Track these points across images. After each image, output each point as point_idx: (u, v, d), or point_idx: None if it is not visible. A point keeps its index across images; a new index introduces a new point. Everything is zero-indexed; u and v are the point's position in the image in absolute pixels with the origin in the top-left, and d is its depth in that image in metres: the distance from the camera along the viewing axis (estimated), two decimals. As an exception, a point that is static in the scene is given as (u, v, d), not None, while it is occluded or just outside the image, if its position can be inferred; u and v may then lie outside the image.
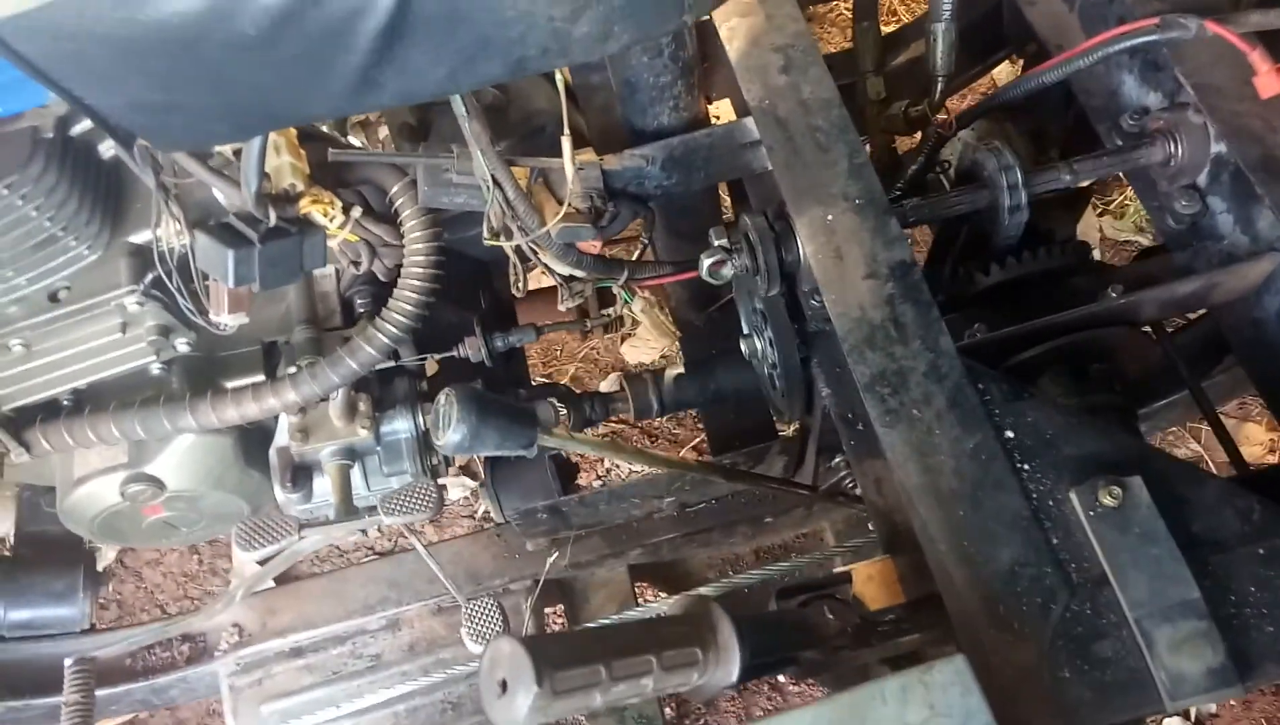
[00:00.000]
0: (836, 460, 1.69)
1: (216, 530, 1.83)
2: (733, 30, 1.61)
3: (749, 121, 1.54)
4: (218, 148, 1.32)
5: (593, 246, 1.53)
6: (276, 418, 1.64)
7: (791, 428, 1.97)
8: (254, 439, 1.70)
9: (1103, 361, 1.46)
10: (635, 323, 3.13)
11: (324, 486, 1.66)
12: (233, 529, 1.62)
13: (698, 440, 3.03)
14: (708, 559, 2.33)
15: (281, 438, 1.65)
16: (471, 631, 1.70)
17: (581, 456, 2.64)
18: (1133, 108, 1.49)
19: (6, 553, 1.99)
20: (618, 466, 3.05)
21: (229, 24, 0.89)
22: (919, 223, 1.49)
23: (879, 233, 1.34)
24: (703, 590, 1.79)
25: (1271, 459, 2.87)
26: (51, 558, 1.95)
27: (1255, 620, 1.07)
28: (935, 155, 1.67)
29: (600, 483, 3.03)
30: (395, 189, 1.52)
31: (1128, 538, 1.08)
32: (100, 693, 1.97)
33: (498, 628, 1.71)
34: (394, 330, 1.51)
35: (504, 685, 0.89)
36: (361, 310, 1.68)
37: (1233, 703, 2.55)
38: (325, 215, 1.41)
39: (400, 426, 1.68)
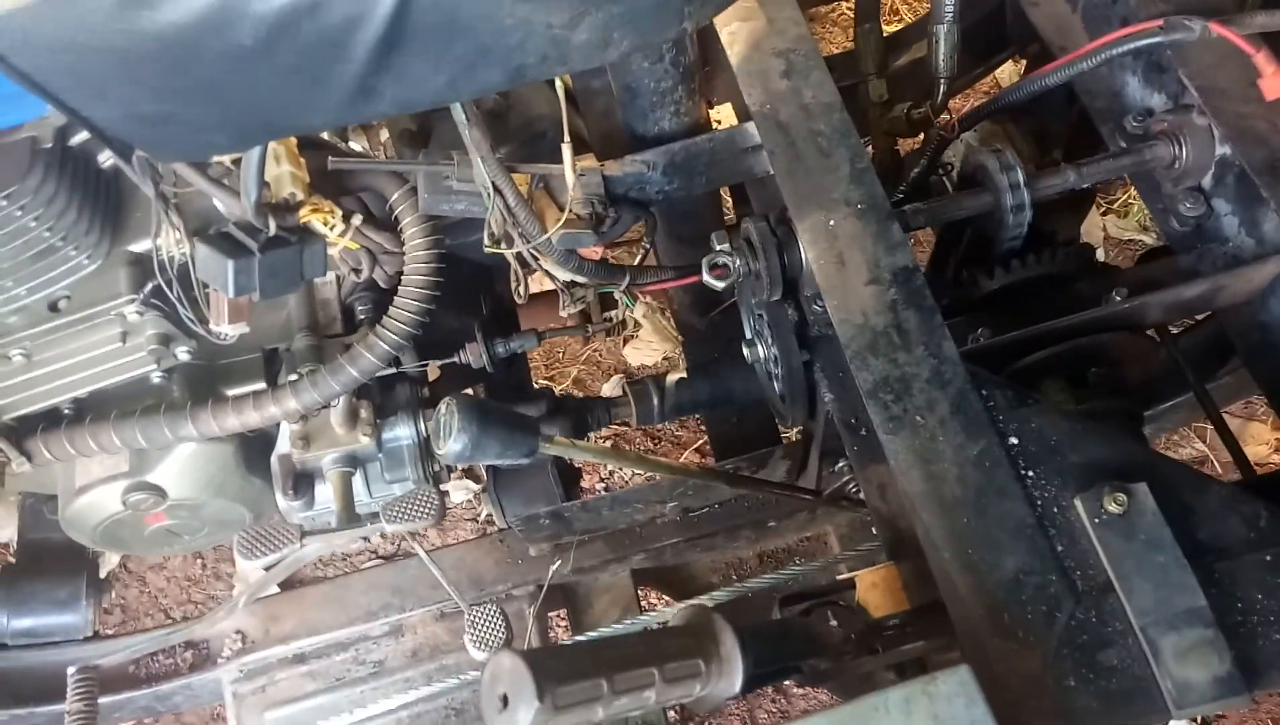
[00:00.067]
0: (840, 465, 1.69)
1: (219, 538, 1.83)
2: (734, 34, 1.60)
3: (750, 126, 1.53)
4: (216, 157, 1.32)
5: (594, 252, 1.52)
6: (278, 425, 1.64)
7: (794, 432, 1.96)
8: (255, 446, 1.70)
9: (1107, 366, 1.45)
10: (638, 325, 3.14)
11: (326, 494, 1.66)
12: (234, 537, 1.62)
13: (701, 442, 3.03)
14: (711, 563, 2.32)
15: (283, 445, 1.65)
16: (475, 637, 1.70)
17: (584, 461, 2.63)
18: (1136, 109, 1.48)
19: (10, 560, 1.99)
20: (620, 470, 3.04)
21: (226, 35, 0.89)
22: (921, 227, 1.48)
23: (881, 238, 1.34)
24: (713, 596, 1.78)
25: (1277, 458, 2.87)
26: (54, 565, 1.96)
27: (1262, 628, 1.06)
28: (938, 158, 1.66)
29: (603, 487, 3.03)
30: (396, 196, 1.52)
31: (1133, 545, 1.07)
32: (104, 700, 1.97)
33: (501, 633, 1.70)
34: (395, 337, 1.51)
35: (505, 700, 0.89)
36: (362, 317, 1.67)
37: (1239, 704, 2.54)
38: (325, 224, 1.40)
39: (402, 433, 1.68)
